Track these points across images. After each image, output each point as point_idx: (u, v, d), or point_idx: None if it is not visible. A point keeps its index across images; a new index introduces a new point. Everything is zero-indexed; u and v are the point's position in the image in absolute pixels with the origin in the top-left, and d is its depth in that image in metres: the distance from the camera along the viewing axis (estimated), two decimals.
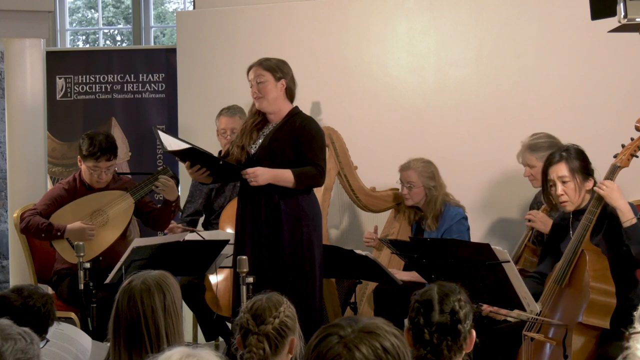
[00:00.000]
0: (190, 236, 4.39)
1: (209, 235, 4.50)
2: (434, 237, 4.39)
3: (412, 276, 4.41)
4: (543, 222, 4.13)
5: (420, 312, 2.41)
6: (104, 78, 6.10)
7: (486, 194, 5.07)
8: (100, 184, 4.71)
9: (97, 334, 3.64)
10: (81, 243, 3.96)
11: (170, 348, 1.91)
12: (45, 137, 6.03)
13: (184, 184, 5.16)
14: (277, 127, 4.14)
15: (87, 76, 6.10)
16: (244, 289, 3.55)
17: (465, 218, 4.61)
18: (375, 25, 5.33)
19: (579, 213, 3.69)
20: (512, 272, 3.39)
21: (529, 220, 4.25)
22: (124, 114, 6.09)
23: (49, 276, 4.81)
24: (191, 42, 5.78)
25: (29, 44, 5.82)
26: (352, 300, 4.47)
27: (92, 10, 8.01)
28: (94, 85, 6.11)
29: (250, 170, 4.01)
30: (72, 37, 7.62)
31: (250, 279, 3.54)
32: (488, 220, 5.06)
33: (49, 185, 5.91)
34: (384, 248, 4.63)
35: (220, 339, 5.04)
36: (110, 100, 6.09)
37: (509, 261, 3.39)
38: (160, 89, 6.08)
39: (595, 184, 3.68)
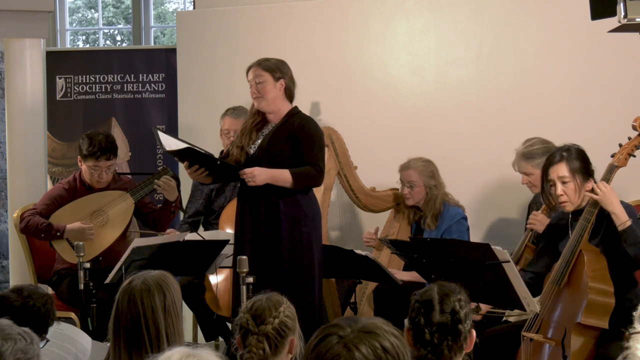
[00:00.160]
0: (190, 236, 4.39)
1: (209, 235, 4.51)
2: (433, 237, 4.39)
3: (412, 276, 4.41)
4: (543, 223, 4.12)
5: (420, 312, 2.42)
6: (104, 78, 6.10)
7: (486, 194, 5.06)
8: (101, 184, 4.71)
9: (97, 334, 3.64)
10: (81, 243, 3.97)
11: (170, 348, 1.91)
12: (45, 137, 6.03)
13: (184, 185, 5.15)
14: (276, 128, 4.14)
15: (87, 76, 6.10)
16: (243, 289, 3.55)
17: (465, 218, 4.61)
18: (375, 25, 5.33)
19: (578, 213, 3.68)
20: (512, 272, 3.39)
21: (530, 223, 4.25)
22: (124, 114, 6.09)
23: (49, 276, 4.82)
24: (191, 42, 5.78)
25: (29, 44, 5.82)
26: (352, 300, 4.47)
27: (92, 10, 8.01)
28: (94, 85, 6.11)
29: (247, 170, 4.02)
30: (72, 37, 7.62)
31: (250, 279, 3.55)
32: (488, 220, 5.05)
33: (49, 185, 5.91)
34: (384, 248, 4.63)
35: (220, 339, 5.04)
36: (110, 100, 6.09)
37: (509, 261, 3.39)
38: (160, 89, 6.08)
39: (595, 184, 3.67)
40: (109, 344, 2.61)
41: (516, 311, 3.65)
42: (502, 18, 5.07)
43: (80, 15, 8.08)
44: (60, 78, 6.10)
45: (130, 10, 7.16)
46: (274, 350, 2.53)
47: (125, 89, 6.09)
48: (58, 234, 4.57)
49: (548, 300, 3.61)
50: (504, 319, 3.96)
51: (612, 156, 3.60)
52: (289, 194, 4.06)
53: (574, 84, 4.91)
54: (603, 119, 4.76)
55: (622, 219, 3.51)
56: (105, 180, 4.71)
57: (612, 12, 3.21)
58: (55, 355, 3.06)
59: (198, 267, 4.34)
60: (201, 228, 5.05)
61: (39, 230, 4.60)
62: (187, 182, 4.96)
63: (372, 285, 4.67)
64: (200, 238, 4.34)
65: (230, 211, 4.63)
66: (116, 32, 8.21)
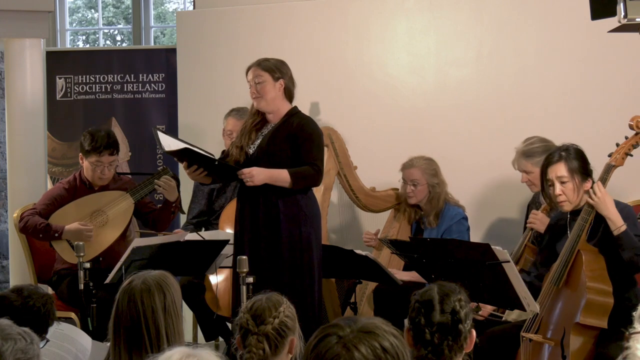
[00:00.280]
0: (190, 236, 4.39)
1: (209, 235, 4.51)
2: (433, 237, 4.39)
3: (412, 276, 4.41)
4: (543, 222, 4.13)
5: (420, 312, 2.42)
6: (104, 78, 6.10)
7: (486, 193, 5.07)
8: (103, 181, 4.71)
9: (97, 334, 3.64)
10: (81, 243, 3.97)
11: (170, 348, 1.91)
12: (45, 137, 6.03)
13: (184, 185, 5.15)
14: (275, 128, 4.15)
15: (87, 76, 6.10)
16: (243, 289, 3.55)
17: (465, 218, 4.61)
18: (375, 25, 5.33)
19: (576, 213, 3.69)
20: (512, 272, 3.39)
21: (530, 222, 4.25)
22: (124, 114, 6.09)
23: (49, 276, 4.81)
24: (191, 42, 5.78)
25: (29, 44, 5.82)
26: (352, 300, 4.47)
27: (92, 10, 8.02)
28: (94, 85, 6.11)
29: (246, 170, 4.02)
30: (72, 37, 7.62)
31: (250, 279, 3.55)
32: (488, 220, 5.06)
33: (49, 185, 5.91)
34: (384, 248, 4.64)
35: (220, 339, 5.04)
36: (110, 100, 6.09)
37: (509, 261, 3.39)
38: (160, 89, 6.08)
39: (593, 184, 3.67)
40: (109, 344, 2.61)
41: (516, 311, 3.65)
42: (502, 18, 5.07)
43: (80, 15, 8.08)
44: (60, 78, 6.10)
45: (130, 10, 7.16)
46: (273, 350, 2.53)
47: (125, 89, 6.09)
48: (56, 234, 4.57)
49: (547, 300, 3.61)
50: (503, 318, 3.97)
51: (610, 156, 3.59)
52: (288, 194, 4.06)
53: (573, 84, 4.91)
54: (603, 119, 4.76)
55: (617, 224, 3.51)
56: (107, 177, 4.70)
57: (612, 12, 3.21)
58: (55, 355, 3.06)
59: (198, 267, 4.34)
60: (202, 228, 5.05)
61: (37, 231, 4.60)
62: (186, 182, 4.96)
63: (372, 285, 4.67)
64: (200, 238, 4.34)
65: (230, 211, 4.63)
66: (116, 32, 8.21)
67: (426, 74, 5.23)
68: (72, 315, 4.55)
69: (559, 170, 3.68)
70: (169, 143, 4.04)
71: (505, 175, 4.89)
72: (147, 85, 6.08)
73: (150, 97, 6.09)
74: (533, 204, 4.40)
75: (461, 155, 5.06)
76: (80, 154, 4.71)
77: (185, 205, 5.12)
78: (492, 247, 3.41)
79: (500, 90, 5.06)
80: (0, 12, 5.60)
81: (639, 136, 3.57)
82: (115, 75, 6.09)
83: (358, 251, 4.28)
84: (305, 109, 4.58)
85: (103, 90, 6.10)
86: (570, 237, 3.60)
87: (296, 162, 4.07)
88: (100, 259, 4.47)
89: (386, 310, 4.40)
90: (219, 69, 5.65)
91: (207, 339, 4.93)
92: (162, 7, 8.02)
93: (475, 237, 4.79)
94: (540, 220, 4.16)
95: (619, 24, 3.22)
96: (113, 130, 5.90)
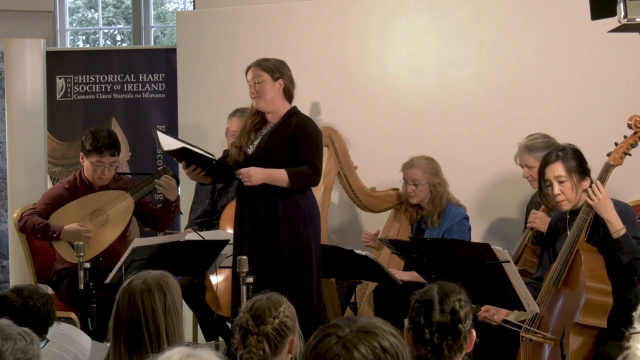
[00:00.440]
0: (190, 236, 4.39)
1: (209, 235, 4.51)
2: (434, 237, 4.39)
3: (412, 276, 4.41)
4: (544, 221, 4.13)
5: (420, 312, 2.42)
6: (104, 78, 6.10)
7: (486, 193, 5.07)
8: (103, 181, 4.71)
9: (97, 334, 3.64)
10: (81, 243, 3.97)
11: (170, 348, 1.91)
12: (45, 137, 6.03)
13: (184, 185, 5.16)
14: (274, 128, 4.15)
15: (87, 76, 6.10)
16: (243, 289, 3.55)
17: (467, 218, 4.61)
18: (375, 25, 5.33)
19: (575, 213, 3.69)
20: (512, 272, 3.39)
21: (530, 221, 4.25)
22: (124, 114, 6.09)
23: (49, 276, 4.81)
24: (191, 42, 5.78)
25: (29, 44, 5.82)
26: (352, 300, 4.47)
27: (92, 10, 8.02)
28: (94, 85, 6.11)
29: (243, 170, 4.02)
30: (72, 37, 7.62)
31: (250, 279, 3.55)
32: (488, 220, 5.06)
33: (49, 185, 5.91)
34: (384, 248, 4.64)
35: (220, 339, 5.04)
36: (110, 100, 6.09)
37: (509, 261, 3.39)
38: (160, 89, 6.08)
39: (592, 183, 3.67)
40: (108, 344, 2.61)
41: (515, 311, 3.64)
42: (502, 18, 5.07)
43: (80, 15, 8.08)
44: (60, 78, 6.10)
45: (130, 10, 7.16)
46: (273, 350, 2.53)
47: (125, 89, 6.09)
48: (54, 235, 4.57)
49: (546, 300, 3.61)
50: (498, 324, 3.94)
51: (608, 155, 3.60)
52: (287, 194, 4.06)
53: (573, 84, 4.91)
54: (603, 119, 4.76)
55: (617, 227, 3.51)
56: (107, 177, 4.70)
57: (612, 12, 3.21)
58: (55, 356, 3.06)
59: (198, 267, 4.34)
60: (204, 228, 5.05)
61: (35, 231, 4.60)
62: (187, 182, 4.96)
63: (372, 285, 4.67)
64: (200, 238, 4.34)
65: (230, 211, 4.63)
66: (116, 32, 8.21)
67: (426, 74, 5.23)
68: (72, 315, 4.55)
69: (557, 169, 3.69)
70: (168, 143, 4.04)
71: (505, 175, 4.89)
72: (147, 85, 6.08)
73: (150, 97, 6.09)
74: (532, 205, 4.40)
75: (461, 155, 5.06)
76: (81, 153, 4.71)
77: (184, 206, 5.12)
78: (492, 247, 3.41)
79: (500, 90, 5.06)
80: (0, 12, 5.60)
81: (638, 135, 3.57)
82: (115, 75, 6.09)
83: (358, 251, 4.28)
84: (305, 109, 4.58)
85: (103, 90, 6.10)
86: (569, 237, 3.60)
87: (295, 162, 4.07)
88: (100, 259, 4.47)
89: (386, 310, 4.40)
90: (219, 69, 5.65)
91: (207, 339, 4.93)
92: (162, 7, 8.02)
93: (476, 236, 4.79)
94: (540, 219, 4.17)
95: (619, 24, 3.22)
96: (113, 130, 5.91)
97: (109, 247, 4.61)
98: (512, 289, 3.39)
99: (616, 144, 3.59)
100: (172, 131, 5.73)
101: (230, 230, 4.58)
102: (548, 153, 3.79)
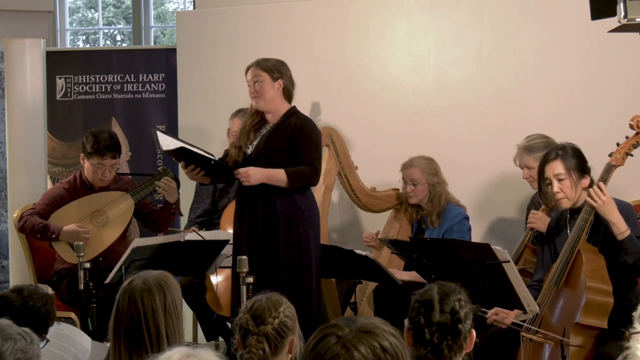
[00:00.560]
0: (190, 236, 4.39)
1: (209, 235, 4.51)
2: (434, 237, 4.39)
3: (412, 276, 4.41)
4: (543, 221, 4.13)
5: (420, 312, 2.42)
6: (104, 78, 6.10)
7: (486, 193, 5.07)
8: (103, 182, 4.71)
9: (97, 334, 3.64)
10: (81, 243, 3.97)
11: (170, 348, 1.91)
12: (45, 137, 6.03)
13: (184, 186, 5.15)
14: (274, 128, 4.15)
15: (87, 76, 6.10)
16: (243, 289, 3.55)
17: (467, 218, 4.61)
18: (375, 25, 5.33)
19: (575, 212, 3.69)
20: (512, 272, 3.39)
21: (530, 222, 4.25)
22: (124, 114, 6.09)
23: (49, 276, 4.81)
24: (191, 42, 5.78)
25: (29, 44, 5.82)
26: (352, 300, 4.47)
27: (92, 10, 8.02)
28: (94, 85, 6.11)
29: (242, 170, 4.02)
30: (72, 37, 7.62)
31: (250, 279, 3.55)
32: (487, 220, 5.06)
33: (49, 185, 5.90)
34: (384, 248, 4.64)
35: (220, 339, 5.04)
36: (110, 100, 6.09)
37: (509, 261, 3.39)
38: (160, 89, 6.08)
39: (592, 182, 3.67)
40: (108, 344, 2.61)
41: (515, 311, 3.64)
42: (502, 18, 5.07)
43: (80, 15, 8.08)
44: (60, 78, 6.10)
45: (130, 10, 7.16)
46: (273, 350, 2.53)
47: (125, 89, 6.09)
48: (53, 235, 4.57)
49: (547, 300, 3.61)
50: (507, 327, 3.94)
51: (610, 155, 3.60)
52: (286, 194, 4.06)
53: (573, 84, 4.91)
54: (603, 119, 4.76)
55: (621, 229, 3.51)
56: (107, 179, 4.70)
57: (612, 12, 3.21)
58: (55, 356, 3.06)
59: (198, 267, 4.34)
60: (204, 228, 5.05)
61: (34, 231, 4.60)
62: (186, 183, 4.96)
63: (372, 285, 4.67)
64: (200, 238, 4.34)
65: (230, 211, 4.63)
66: (116, 32, 8.21)
67: (426, 74, 5.23)
68: (72, 315, 4.55)
69: (556, 167, 3.69)
70: (167, 142, 4.04)
71: (505, 175, 4.89)
72: (147, 85, 6.08)
73: (150, 97, 6.09)
74: (532, 205, 4.40)
75: (461, 155, 5.06)
76: (82, 154, 4.71)
77: (184, 206, 5.12)
78: (492, 247, 3.41)
79: (500, 90, 5.06)
80: (0, 12, 5.60)
81: None
82: (115, 75, 6.09)
83: (358, 251, 4.28)
84: (305, 109, 4.58)
85: (103, 90, 6.10)
86: (570, 237, 3.60)
87: (294, 162, 4.07)
88: (100, 259, 4.47)
89: (386, 310, 4.40)
90: (219, 69, 5.65)
91: (207, 339, 4.93)
92: (162, 7, 8.02)
93: (476, 236, 4.79)
94: (540, 220, 4.17)
95: (619, 24, 3.22)
96: (113, 130, 5.91)
97: (109, 248, 4.61)
98: (512, 289, 3.39)
99: (618, 145, 3.59)
100: (172, 131, 5.73)
101: (230, 230, 4.58)
102: (548, 151, 3.79)
